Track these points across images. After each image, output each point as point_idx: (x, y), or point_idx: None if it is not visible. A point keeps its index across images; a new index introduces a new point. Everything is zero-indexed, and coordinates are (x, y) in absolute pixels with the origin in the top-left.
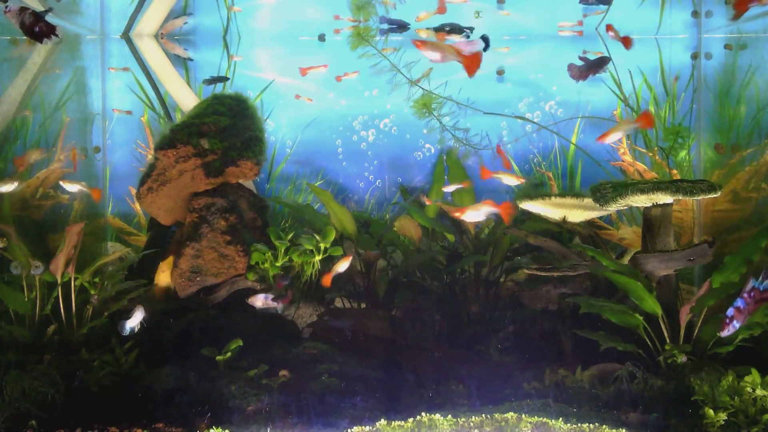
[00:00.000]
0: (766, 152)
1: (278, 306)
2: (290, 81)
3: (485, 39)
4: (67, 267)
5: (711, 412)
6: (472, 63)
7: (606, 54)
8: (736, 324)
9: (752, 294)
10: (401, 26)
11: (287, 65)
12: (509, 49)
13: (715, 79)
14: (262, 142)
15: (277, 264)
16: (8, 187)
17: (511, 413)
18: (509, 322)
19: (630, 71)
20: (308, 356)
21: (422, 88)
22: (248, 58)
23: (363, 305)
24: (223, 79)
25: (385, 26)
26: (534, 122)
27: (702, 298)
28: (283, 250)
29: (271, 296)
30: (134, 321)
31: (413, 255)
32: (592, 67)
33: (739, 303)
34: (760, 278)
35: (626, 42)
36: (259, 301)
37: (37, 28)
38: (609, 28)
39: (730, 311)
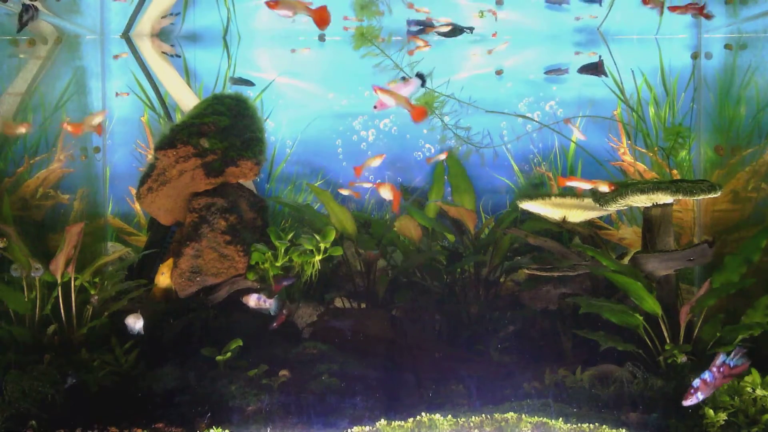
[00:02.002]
0: (766, 152)
1: (271, 306)
2: (290, 81)
3: (421, 76)
4: (67, 267)
5: (711, 412)
6: (321, 17)
7: (607, 51)
8: (700, 396)
9: (722, 369)
10: (427, 26)
11: (287, 65)
12: (508, 44)
13: (715, 79)
14: (262, 142)
15: (277, 264)
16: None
17: (511, 413)
18: (509, 322)
19: (632, 71)
20: (308, 356)
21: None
22: (248, 58)
23: (363, 305)
24: (248, 83)
25: (414, 28)
26: (536, 121)
27: (702, 298)
28: (283, 250)
29: (264, 297)
30: (135, 326)
31: (413, 255)
32: (591, 68)
33: (706, 376)
34: (732, 355)
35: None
36: (253, 300)
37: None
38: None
39: (697, 382)
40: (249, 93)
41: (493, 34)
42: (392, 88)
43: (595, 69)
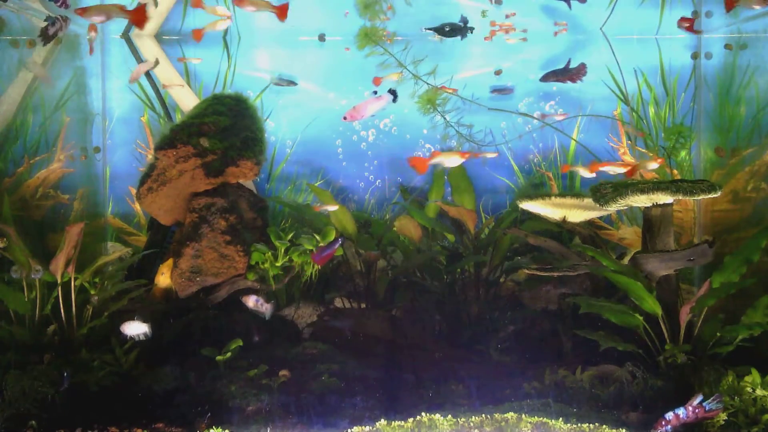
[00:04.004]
0: (766, 152)
1: (266, 311)
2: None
3: (393, 92)
4: (67, 267)
5: None
6: (138, 17)
7: (610, 51)
8: (669, 429)
9: (696, 410)
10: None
11: (287, 65)
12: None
13: (715, 79)
14: (261, 142)
15: (277, 264)
16: None
17: (511, 413)
18: (509, 322)
19: (635, 70)
20: (308, 356)
21: (428, 84)
22: (248, 58)
23: (363, 305)
24: (291, 83)
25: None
26: (538, 119)
27: (702, 298)
28: (283, 250)
29: (262, 300)
30: (137, 330)
31: (413, 255)
32: (560, 74)
33: (680, 412)
34: (710, 399)
35: None
36: (251, 301)
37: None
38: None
39: (669, 415)
40: (249, 93)
41: (492, 29)
42: (364, 101)
43: (563, 75)
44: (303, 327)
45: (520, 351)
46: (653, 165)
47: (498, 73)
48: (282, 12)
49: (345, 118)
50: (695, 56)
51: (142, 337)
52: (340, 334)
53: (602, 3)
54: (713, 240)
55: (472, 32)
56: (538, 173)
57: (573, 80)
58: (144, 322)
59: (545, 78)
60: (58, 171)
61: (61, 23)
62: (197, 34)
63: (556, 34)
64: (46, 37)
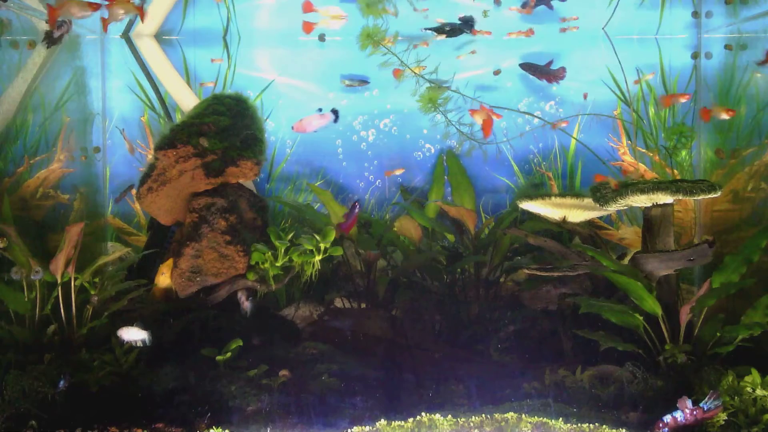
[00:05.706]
0: (766, 153)
1: (247, 308)
2: (290, 81)
3: (335, 112)
4: (67, 267)
5: None
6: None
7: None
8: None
9: (695, 413)
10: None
11: (287, 65)
12: (475, 53)
13: (715, 79)
14: (262, 142)
15: (277, 264)
16: None
17: (511, 413)
18: (509, 322)
19: (637, 69)
20: (308, 356)
21: (430, 81)
22: (248, 58)
23: (363, 305)
24: (364, 82)
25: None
26: (540, 118)
27: (702, 298)
28: (283, 250)
29: (242, 296)
30: (136, 336)
31: (413, 255)
32: (539, 70)
33: (678, 415)
34: (706, 399)
35: None
36: (240, 295)
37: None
38: None
39: (667, 418)
40: (249, 93)
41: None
42: (309, 116)
43: (542, 73)
44: (303, 327)
45: (520, 351)
46: (723, 116)
47: (497, 73)
48: (142, 12)
49: (293, 128)
50: (695, 56)
51: (140, 344)
52: (340, 334)
53: (602, 3)
54: (713, 240)
55: (471, 32)
56: (538, 173)
57: (549, 80)
58: (144, 329)
59: (524, 66)
60: (58, 171)
61: (67, 26)
62: (308, 27)
63: (564, 30)
64: (51, 40)
